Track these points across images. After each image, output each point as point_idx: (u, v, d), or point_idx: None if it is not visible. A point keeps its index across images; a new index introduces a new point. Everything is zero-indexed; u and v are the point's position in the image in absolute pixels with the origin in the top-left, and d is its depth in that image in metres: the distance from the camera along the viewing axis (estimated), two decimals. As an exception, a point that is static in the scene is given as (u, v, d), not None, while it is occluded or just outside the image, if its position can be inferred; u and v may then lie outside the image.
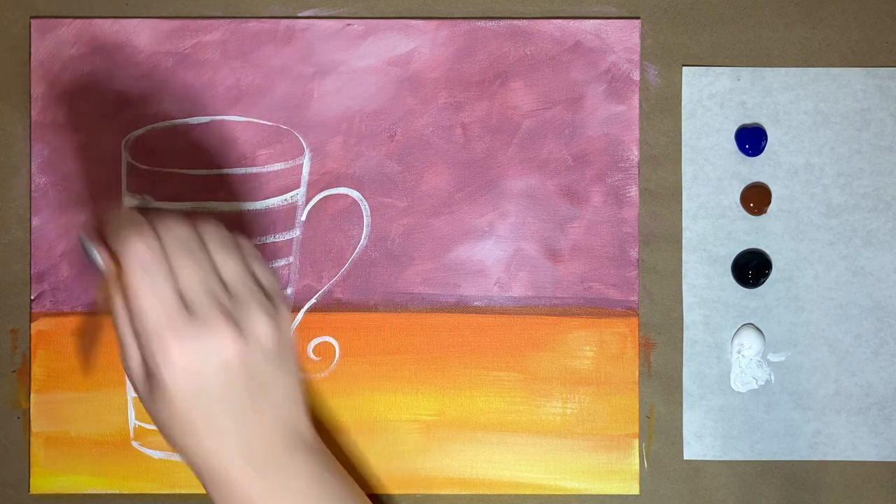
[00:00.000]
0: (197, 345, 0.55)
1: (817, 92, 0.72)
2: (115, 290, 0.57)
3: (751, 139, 0.71)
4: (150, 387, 0.56)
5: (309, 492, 0.59)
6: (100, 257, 0.58)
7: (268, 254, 0.71)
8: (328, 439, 0.71)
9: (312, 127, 0.72)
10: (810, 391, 0.71)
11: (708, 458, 0.71)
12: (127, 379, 0.71)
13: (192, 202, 0.71)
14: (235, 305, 0.57)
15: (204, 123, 0.72)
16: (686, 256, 0.72)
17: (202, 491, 0.71)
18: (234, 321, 0.56)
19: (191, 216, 0.59)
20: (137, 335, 0.56)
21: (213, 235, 0.58)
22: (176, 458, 0.71)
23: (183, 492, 0.71)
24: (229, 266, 0.58)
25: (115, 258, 0.57)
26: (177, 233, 0.57)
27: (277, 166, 0.72)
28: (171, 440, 0.58)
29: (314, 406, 0.71)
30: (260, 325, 0.57)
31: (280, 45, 0.72)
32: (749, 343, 0.71)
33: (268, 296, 0.59)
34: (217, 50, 0.72)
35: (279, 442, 0.58)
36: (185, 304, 0.56)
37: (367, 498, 0.63)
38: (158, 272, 0.55)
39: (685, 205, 0.72)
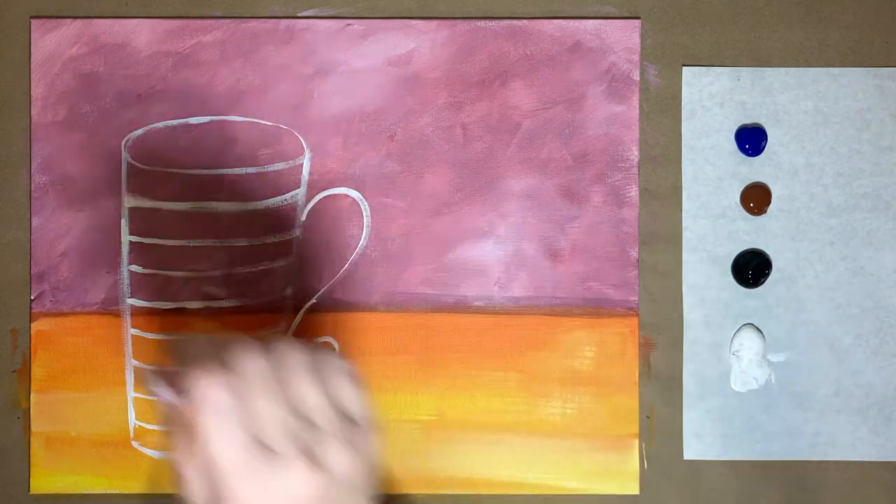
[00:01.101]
0: (270, 485, 0.51)
1: (817, 92, 0.72)
2: (180, 428, 0.52)
3: (751, 139, 0.71)
4: None
5: None
6: (166, 393, 0.53)
7: (268, 254, 0.71)
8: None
9: (312, 127, 0.72)
10: (810, 391, 0.71)
11: (708, 458, 0.71)
12: (128, 380, 0.71)
13: (192, 202, 0.71)
14: (314, 438, 0.52)
15: (204, 123, 0.72)
16: (686, 256, 0.72)
17: (202, 491, 0.71)
18: (312, 455, 0.52)
19: (266, 341, 0.53)
20: (205, 476, 0.51)
21: (293, 362, 0.53)
22: (176, 458, 0.71)
23: (183, 492, 0.71)
24: (310, 396, 0.53)
25: (183, 394, 0.52)
26: (252, 367, 0.52)
27: (277, 166, 0.72)
28: None
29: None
30: (338, 456, 0.53)
31: (280, 45, 0.72)
32: (749, 343, 0.71)
33: (354, 425, 0.54)
34: (217, 50, 0.72)
35: None
36: (260, 445, 0.51)
37: None
38: (232, 416, 0.51)
39: (685, 205, 0.72)
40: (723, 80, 0.72)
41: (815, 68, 0.72)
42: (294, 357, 0.53)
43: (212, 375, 0.51)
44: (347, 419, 0.54)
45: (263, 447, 0.51)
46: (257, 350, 0.52)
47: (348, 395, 0.54)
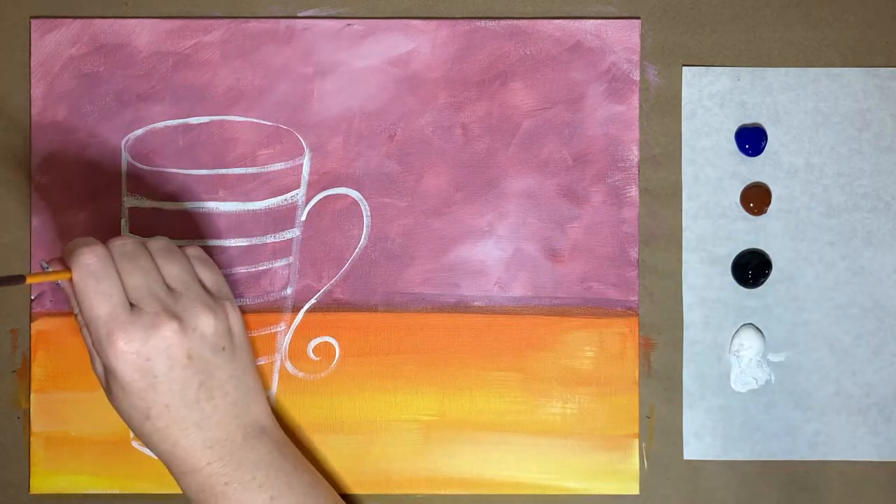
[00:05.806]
0: (141, 335, 0.60)
1: (817, 92, 0.72)
2: (73, 302, 0.63)
3: (751, 139, 0.71)
4: (109, 383, 0.61)
5: (274, 481, 0.63)
6: (60, 279, 0.62)
7: (268, 254, 0.71)
8: (327, 439, 0.71)
9: (312, 127, 0.72)
10: (810, 391, 0.71)
11: (708, 458, 0.71)
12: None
13: (192, 202, 0.71)
14: (178, 304, 0.61)
15: (204, 123, 0.72)
16: (686, 256, 0.72)
17: (202, 491, 0.71)
18: (177, 316, 0.61)
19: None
20: (93, 337, 0.61)
21: (158, 246, 0.63)
22: (176, 458, 0.71)
23: (183, 492, 0.71)
24: (173, 271, 0.63)
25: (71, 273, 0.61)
26: (122, 245, 0.62)
27: (277, 166, 0.72)
28: (138, 432, 0.62)
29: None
30: (202, 320, 0.62)
31: (280, 45, 0.72)
32: (749, 343, 0.71)
33: (214, 297, 0.63)
34: (217, 50, 0.72)
35: (237, 431, 0.63)
36: (131, 305, 0.60)
37: (333, 492, 0.66)
38: (105, 277, 0.60)
39: (685, 205, 0.72)
40: (723, 80, 0.72)
41: (815, 68, 0.72)
42: (158, 242, 0.63)
43: (88, 249, 0.60)
44: (208, 292, 0.63)
45: (136, 308, 0.60)
46: (128, 236, 0.63)
47: (208, 275, 0.64)
